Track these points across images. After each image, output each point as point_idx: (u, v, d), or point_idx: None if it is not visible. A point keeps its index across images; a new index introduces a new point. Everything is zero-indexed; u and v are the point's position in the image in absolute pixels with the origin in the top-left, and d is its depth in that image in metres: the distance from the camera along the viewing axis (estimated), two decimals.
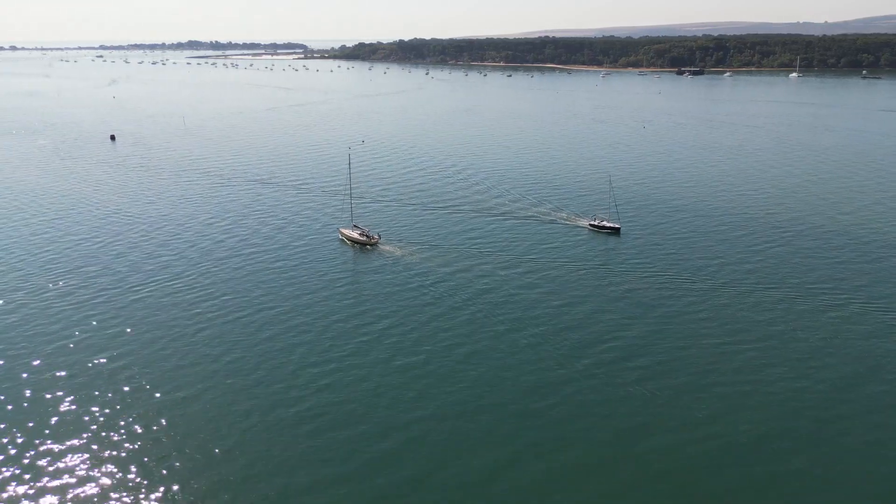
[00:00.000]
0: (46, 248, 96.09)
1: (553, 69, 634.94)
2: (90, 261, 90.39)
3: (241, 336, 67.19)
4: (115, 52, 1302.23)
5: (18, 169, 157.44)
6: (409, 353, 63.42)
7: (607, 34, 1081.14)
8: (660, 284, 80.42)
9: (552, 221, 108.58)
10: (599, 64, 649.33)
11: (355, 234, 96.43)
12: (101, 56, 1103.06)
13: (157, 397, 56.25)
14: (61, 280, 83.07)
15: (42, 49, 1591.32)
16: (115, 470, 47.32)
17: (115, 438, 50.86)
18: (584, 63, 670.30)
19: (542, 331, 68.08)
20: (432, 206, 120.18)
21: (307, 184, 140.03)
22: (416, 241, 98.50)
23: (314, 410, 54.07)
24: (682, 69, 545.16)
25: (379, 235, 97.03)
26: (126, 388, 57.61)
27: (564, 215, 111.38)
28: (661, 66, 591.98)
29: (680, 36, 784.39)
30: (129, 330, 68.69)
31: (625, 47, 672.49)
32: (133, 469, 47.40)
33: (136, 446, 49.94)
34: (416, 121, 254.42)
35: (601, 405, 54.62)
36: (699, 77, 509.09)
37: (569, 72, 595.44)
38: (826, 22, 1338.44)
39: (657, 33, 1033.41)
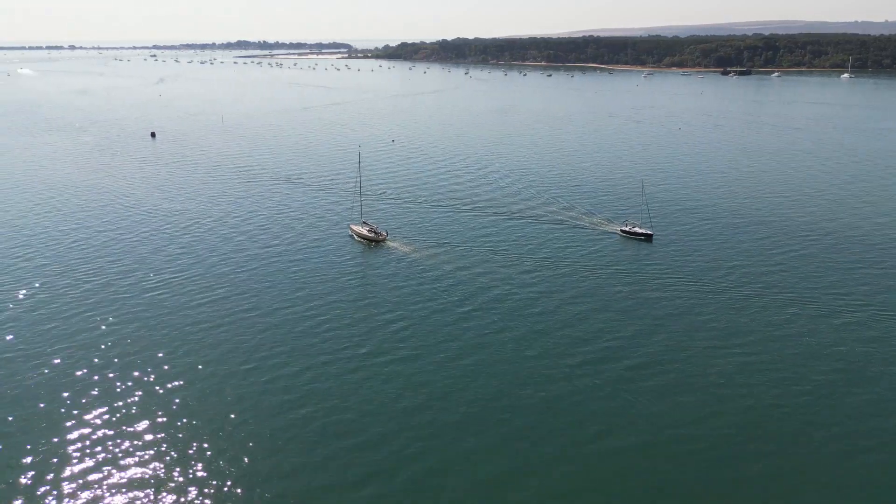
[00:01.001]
0: (70, 242, 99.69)
1: (594, 69, 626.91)
2: (113, 253, 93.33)
3: (264, 332, 68.61)
4: (167, 52, 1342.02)
5: (61, 164, 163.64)
6: (426, 359, 63.60)
7: (653, 34, 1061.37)
8: (690, 295, 76.85)
9: (581, 226, 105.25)
10: (643, 64, 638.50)
11: (364, 231, 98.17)
12: (154, 56, 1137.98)
13: (176, 385, 57.90)
14: (79, 272, 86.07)
15: (99, 49, 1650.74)
16: (146, 465, 48.74)
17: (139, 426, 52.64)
18: (626, 63, 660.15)
19: (560, 338, 65.83)
20: (458, 206, 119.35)
21: (331, 181, 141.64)
22: (435, 240, 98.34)
23: (337, 409, 54.84)
24: (728, 69, 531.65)
25: (386, 232, 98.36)
26: (138, 374, 59.54)
27: (595, 220, 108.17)
28: (707, 66, 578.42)
29: (728, 35, 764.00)
30: (150, 321, 70.79)
31: (669, 47, 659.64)
32: (156, 465, 48.76)
33: (156, 437, 51.55)
34: (449, 121, 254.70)
35: (614, 417, 52.81)
36: (745, 77, 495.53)
37: (610, 72, 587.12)
38: (886, 21, 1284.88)
39: (706, 32, 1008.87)
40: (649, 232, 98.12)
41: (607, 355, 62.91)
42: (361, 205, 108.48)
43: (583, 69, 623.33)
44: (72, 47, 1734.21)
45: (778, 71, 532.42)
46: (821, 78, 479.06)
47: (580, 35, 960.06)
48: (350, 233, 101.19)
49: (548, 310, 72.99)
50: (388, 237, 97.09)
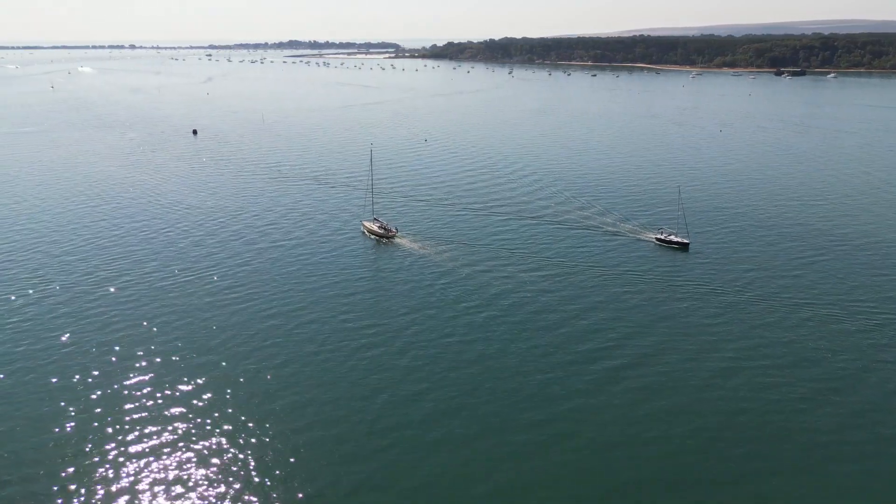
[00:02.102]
0: (94, 237, 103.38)
1: (642, 69, 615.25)
2: (139, 247, 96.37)
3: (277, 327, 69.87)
4: (221, 52, 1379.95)
5: (105, 159, 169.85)
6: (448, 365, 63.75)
7: (707, 33, 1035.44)
8: (726, 308, 73.20)
9: (613, 232, 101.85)
10: (692, 64, 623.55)
11: (375, 227, 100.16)
12: (209, 55, 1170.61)
13: (197, 376, 59.51)
14: (109, 266, 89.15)
15: (157, 48, 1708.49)
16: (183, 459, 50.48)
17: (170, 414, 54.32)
18: (676, 63, 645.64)
19: (583, 350, 63.58)
20: (486, 208, 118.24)
21: (356, 179, 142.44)
22: (457, 240, 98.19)
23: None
24: (781, 70, 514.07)
25: (396, 229, 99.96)
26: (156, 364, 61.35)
27: (629, 226, 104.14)
28: (760, 67, 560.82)
29: (784, 35, 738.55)
30: (171, 313, 72.87)
31: (721, 46, 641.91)
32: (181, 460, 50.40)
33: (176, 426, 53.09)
34: (484, 120, 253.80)
35: (630, 438, 50.55)
36: (799, 78, 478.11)
37: (657, 72, 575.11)
38: None
39: (763, 32, 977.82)
40: (685, 241, 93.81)
41: (630, 364, 60.91)
42: (373, 202, 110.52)
43: (629, 69, 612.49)
44: (132, 47, 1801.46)
45: (834, 72, 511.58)
46: (880, 79, 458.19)
47: (631, 34, 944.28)
48: (362, 229, 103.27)
49: (569, 317, 70.73)
50: (397, 234, 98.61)
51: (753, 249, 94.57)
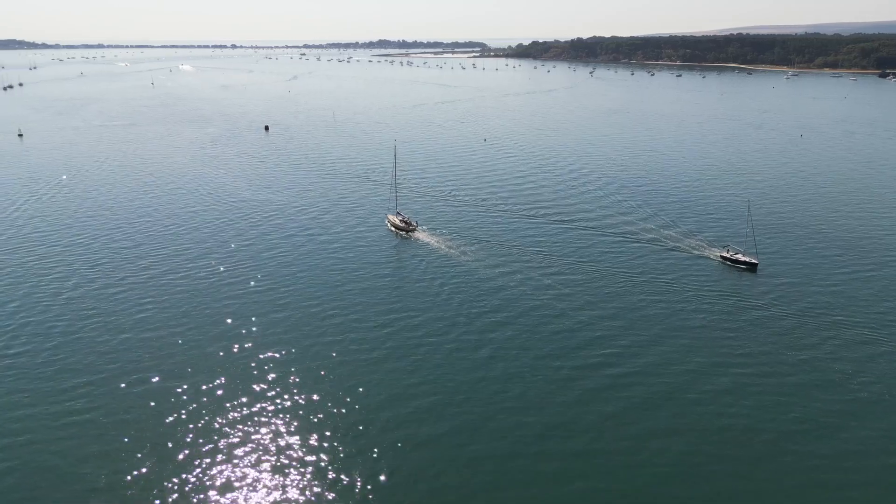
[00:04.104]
0: (144, 224, 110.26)
1: (733, 69, 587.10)
2: (162, 237, 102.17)
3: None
4: (314, 51, 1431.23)
5: (177, 152, 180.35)
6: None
7: (812, 31, 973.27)
8: (796, 335, 66.76)
9: (673, 247, 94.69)
10: (790, 64, 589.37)
11: (397, 220, 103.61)
12: (303, 54, 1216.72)
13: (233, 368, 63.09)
14: (148, 255, 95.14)
15: (255, 48, 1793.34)
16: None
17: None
18: (772, 63, 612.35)
19: (632, 368, 59.74)
20: (535, 212, 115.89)
21: (403, 177, 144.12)
22: (506, 245, 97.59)
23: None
24: (887, 71, 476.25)
25: (417, 223, 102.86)
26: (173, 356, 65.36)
27: (691, 242, 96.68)
28: (865, 68, 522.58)
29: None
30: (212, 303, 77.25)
31: (823, 45, 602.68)
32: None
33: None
34: (549, 121, 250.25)
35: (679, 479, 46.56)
36: None
37: (749, 72, 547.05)
38: None
39: (873, 31, 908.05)
40: (754, 261, 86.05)
41: (685, 384, 57.46)
42: (397, 195, 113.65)
43: (719, 69, 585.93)
44: (233, 46, 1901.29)
45: None
46: None
47: (729, 32, 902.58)
48: (386, 222, 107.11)
49: (616, 335, 66.72)
50: (417, 227, 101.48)
51: (830, 272, 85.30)
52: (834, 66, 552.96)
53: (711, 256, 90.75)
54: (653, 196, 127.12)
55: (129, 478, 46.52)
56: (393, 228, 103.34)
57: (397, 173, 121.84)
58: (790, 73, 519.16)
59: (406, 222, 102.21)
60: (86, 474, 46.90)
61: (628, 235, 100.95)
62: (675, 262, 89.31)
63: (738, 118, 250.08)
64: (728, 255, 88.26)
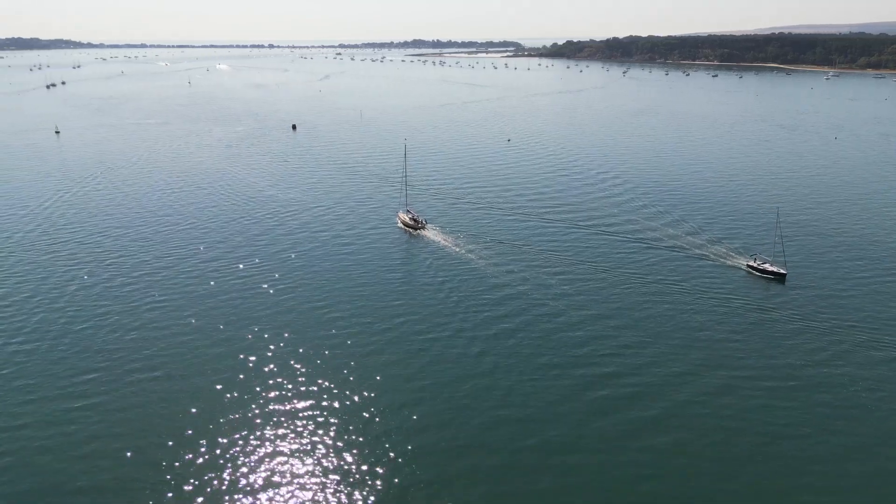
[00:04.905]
0: (162, 222, 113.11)
1: (771, 69, 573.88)
2: (198, 235, 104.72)
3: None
4: (349, 50, 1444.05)
5: (205, 150, 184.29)
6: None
7: (857, 30, 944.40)
8: (824, 350, 64.38)
9: (697, 255, 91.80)
10: (831, 64, 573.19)
11: (406, 218, 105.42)
12: (338, 54, 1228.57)
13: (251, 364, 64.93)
14: (158, 252, 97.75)
15: (292, 47, 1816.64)
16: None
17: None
18: (812, 63, 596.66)
19: (653, 379, 58.14)
20: (554, 214, 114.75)
21: (420, 180, 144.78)
22: (514, 245, 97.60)
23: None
24: None
25: (425, 221, 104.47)
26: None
27: (717, 249, 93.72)
28: None
29: None
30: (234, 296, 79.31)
31: (866, 45, 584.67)
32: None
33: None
34: (576, 121, 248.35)
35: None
36: None
37: (787, 72, 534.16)
38: None
39: None
40: (782, 271, 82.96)
41: (709, 394, 56.09)
42: (406, 193, 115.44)
43: (757, 69, 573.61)
44: (271, 46, 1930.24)
45: None
46: None
47: (766, 32, 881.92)
48: (396, 220, 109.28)
49: (638, 344, 64.92)
50: (426, 225, 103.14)
51: (863, 284, 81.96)
52: (878, 66, 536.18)
53: (738, 265, 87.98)
54: (679, 200, 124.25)
55: (135, 476, 47.42)
56: (402, 226, 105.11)
57: (411, 172, 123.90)
58: (831, 73, 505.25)
59: (415, 220, 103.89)
60: (93, 471, 48.15)
61: (652, 241, 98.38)
62: (701, 270, 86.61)
63: (769, 119, 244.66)
64: (755, 265, 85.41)
